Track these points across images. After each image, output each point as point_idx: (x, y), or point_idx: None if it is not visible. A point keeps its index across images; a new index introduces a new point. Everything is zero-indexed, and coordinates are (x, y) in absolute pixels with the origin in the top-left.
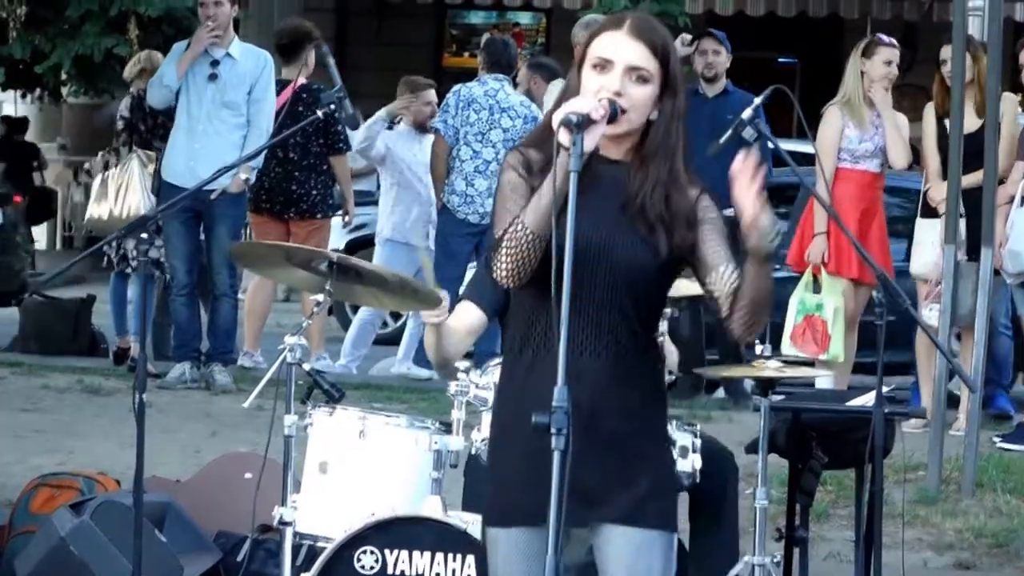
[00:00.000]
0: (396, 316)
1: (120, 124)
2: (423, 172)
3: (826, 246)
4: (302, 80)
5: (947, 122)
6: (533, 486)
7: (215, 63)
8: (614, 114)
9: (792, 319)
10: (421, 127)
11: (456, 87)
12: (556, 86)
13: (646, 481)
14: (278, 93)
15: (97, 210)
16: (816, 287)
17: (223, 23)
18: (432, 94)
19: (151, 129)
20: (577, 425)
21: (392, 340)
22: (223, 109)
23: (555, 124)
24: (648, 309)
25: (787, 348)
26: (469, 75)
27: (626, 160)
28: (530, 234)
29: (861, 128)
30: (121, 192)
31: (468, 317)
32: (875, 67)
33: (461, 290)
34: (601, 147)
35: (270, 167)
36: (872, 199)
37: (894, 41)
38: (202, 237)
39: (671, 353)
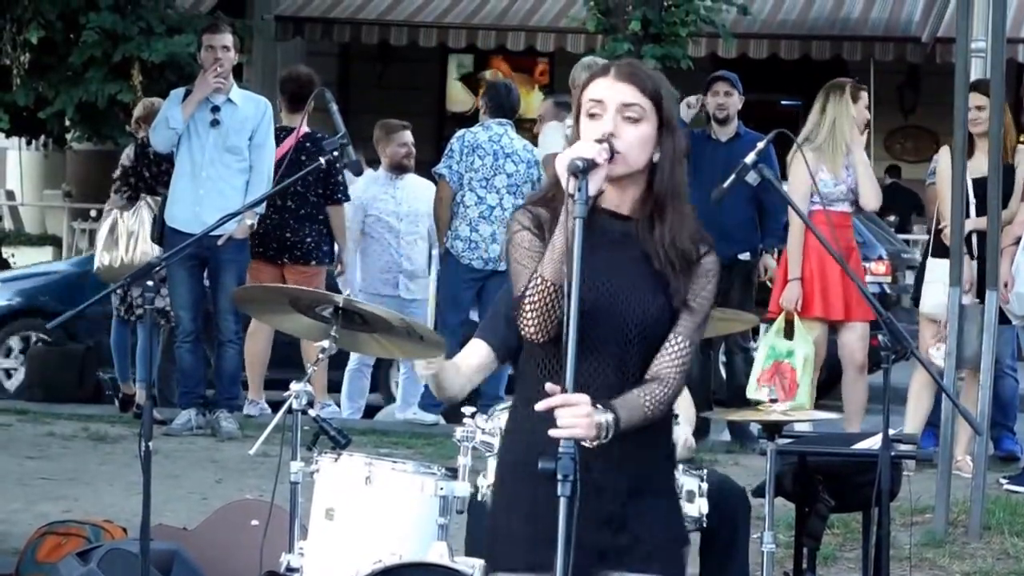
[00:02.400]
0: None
1: (118, 171)
2: (395, 219)
3: (800, 291)
4: (306, 128)
5: (968, 163)
6: (537, 533)
7: (216, 109)
8: (612, 154)
9: (760, 363)
10: (397, 169)
11: (460, 132)
12: (551, 129)
13: (661, 525)
14: (280, 140)
15: (107, 257)
16: (789, 333)
17: (228, 68)
18: (407, 135)
19: (156, 176)
20: (587, 478)
21: None
22: (226, 154)
23: (560, 171)
24: None
25: (752, 392)
26: (472, 119)
27: (633, 215)
28: (551, 286)
29: (835, 172)
30: (132, 240)
31: (477, 355)
32: (861, 111)
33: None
34: (606, 201)
35: (267, 213)
36: (846, 239)
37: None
38: (206, 283)
39: (687, 420)
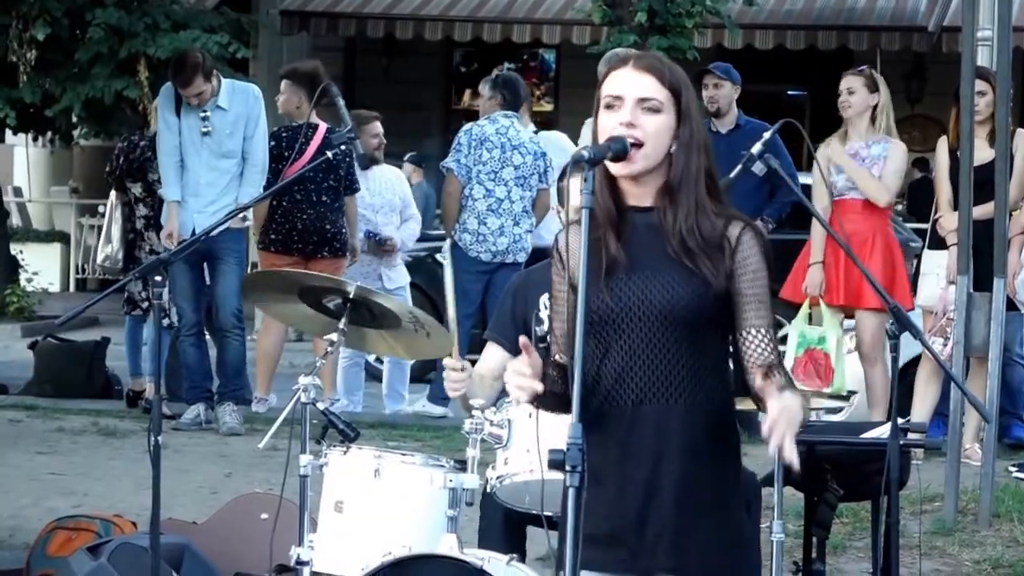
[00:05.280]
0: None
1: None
2: (371, 212)
3: (823, 276)
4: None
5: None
6: (603, 533)
7: (206, 118)
8: (624, 150)
9: (792, 352)
10: (369, 160)
11: (467, 126)
12: (589, 127)
13: (717, 534)
14: (308, 136)
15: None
16: (812, 319)
17: (208, 97)
18: (378, 126)
19: (113, 170)
20: (638, 475)
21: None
22: (222, 160)
23: (565, 166)
24: (710, 352)
25: None
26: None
27: (657, 205)
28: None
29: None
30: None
31: (495, 359)
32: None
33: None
34: (629, 197)
35: (302, 209)
36: (860, 229)
37: (859, 69)
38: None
39: None
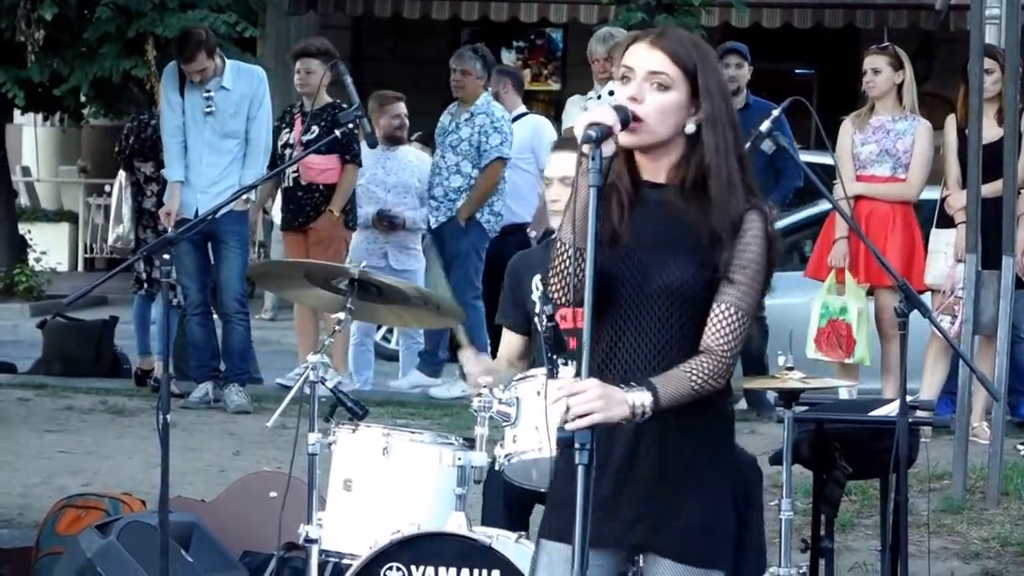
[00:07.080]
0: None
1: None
2: (382, 190)
3: (847, 250)
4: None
5: (968, 132)
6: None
7: (209, 98)
8: (626, 120)
9: (815, 323)
10: (390, 141)
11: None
12: (571, 104)
13: (698, 513)
14: (333, 115)
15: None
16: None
17: (210, 74)
18: (401, 107)
19: (123, 149)
20: (618, 452)
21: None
22: (224, 140)
23: (578, 138)
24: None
25: (811, 353)
26: None
27: (671, 183)
28: (567, 248)
29: (861, 132)
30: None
31: (514, 344)
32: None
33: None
34: (644, 172)
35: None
36: (882, 206)
37: (883, 46)
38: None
39: None
